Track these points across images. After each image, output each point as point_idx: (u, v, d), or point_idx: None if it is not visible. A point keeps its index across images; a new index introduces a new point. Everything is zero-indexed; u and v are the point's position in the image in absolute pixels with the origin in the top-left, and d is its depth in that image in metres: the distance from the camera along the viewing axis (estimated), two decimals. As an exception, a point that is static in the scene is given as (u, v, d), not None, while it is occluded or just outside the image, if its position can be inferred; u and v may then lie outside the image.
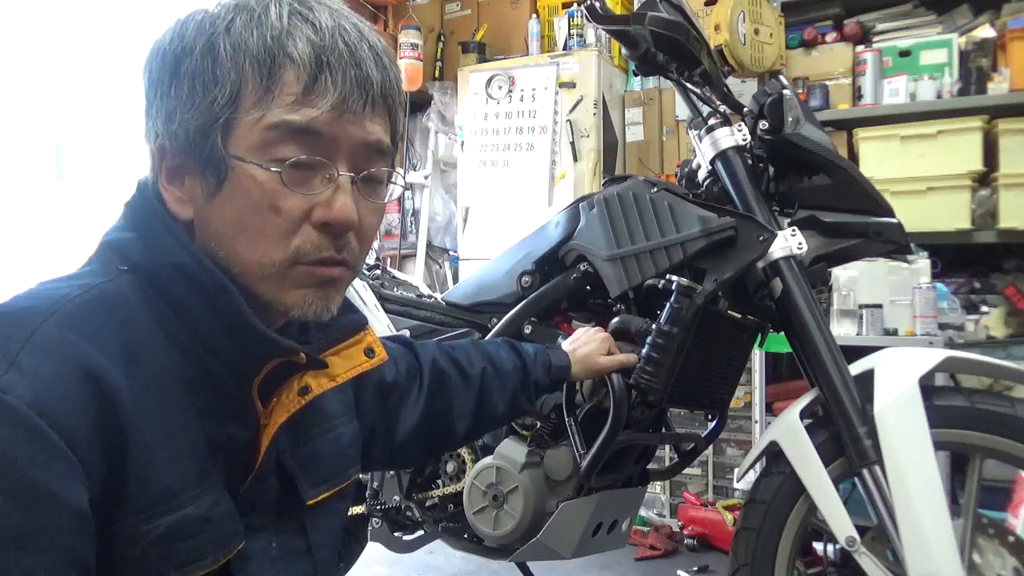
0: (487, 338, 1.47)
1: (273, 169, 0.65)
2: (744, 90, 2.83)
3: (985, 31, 2.70)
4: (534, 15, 3.50)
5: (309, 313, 0.69)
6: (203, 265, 0.66)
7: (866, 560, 1.22)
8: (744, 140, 1.42)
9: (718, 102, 1.46)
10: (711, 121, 1.43)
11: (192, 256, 0.66)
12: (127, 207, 0.72)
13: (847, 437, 1.25)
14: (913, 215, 2.30)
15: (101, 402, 0.58)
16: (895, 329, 2.45)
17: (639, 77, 3.32)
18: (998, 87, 2.58)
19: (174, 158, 0.69)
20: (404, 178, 0.84)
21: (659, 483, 2.89)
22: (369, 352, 0.82)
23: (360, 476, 1.57)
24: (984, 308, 2.56)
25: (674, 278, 1.28)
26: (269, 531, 0.74)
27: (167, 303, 0.67)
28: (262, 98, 0.65)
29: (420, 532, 1.64)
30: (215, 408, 0.68)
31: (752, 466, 1.42)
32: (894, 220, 1.39)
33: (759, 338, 1.50)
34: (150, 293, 0.66)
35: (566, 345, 1.30)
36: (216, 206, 0.68)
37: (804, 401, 1.34)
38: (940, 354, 1.28)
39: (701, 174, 1.49)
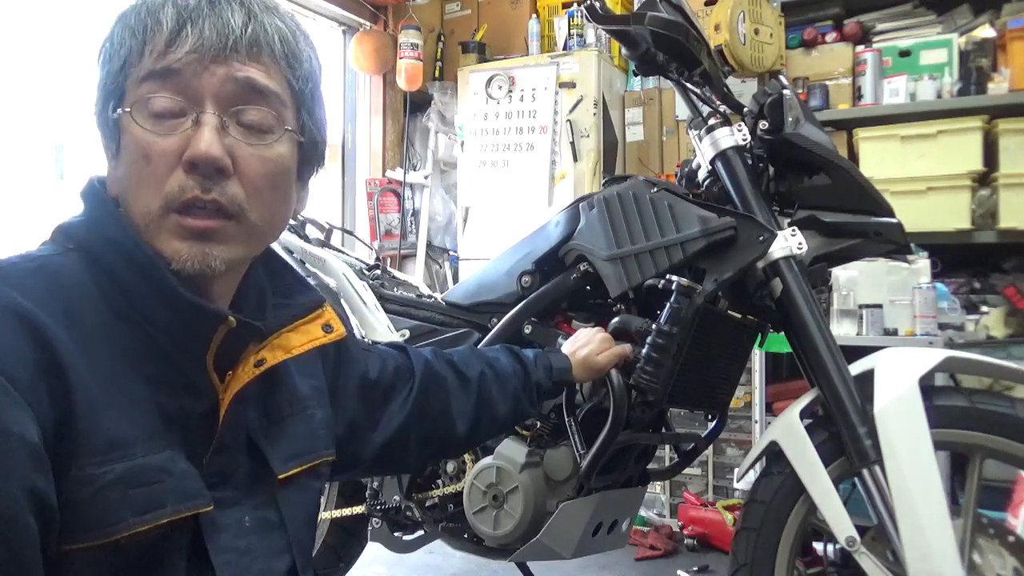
0: (487, 338, 1.48)
1: (125, 110, 0.69)
2: (744, 90, 2.83)
3: (985, 31, 2.70)
4: (534, 15, 3.50)
5: (187, 267, 0.69)
6: (132, 238, 0.69)
7: (866, 560, 1.22)
8: (744, 140, 1.42)
9: (718, 102, 1.46)
10: (711, 121, 1.43)
11: (123, 230, 0.69)
12: (80, 196, 0.75)
13: (847, 437, 1.25)
14: (913, 215, 2.30)
15: (41, 348, 0.61)
16: (895, 329, 2.45)
17: (639, 77, 3.32)
18: (998, 87, 2.58)
19: (103, 140, 0.74)
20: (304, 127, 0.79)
21: (659, 483, 2.89)
22: (327, 328, 0.85)
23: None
24: (984, 308, 2.56)
25: (674, 278, 1.28)
26: (243, 506, 0.76)
27: (108, 278, 0.69)
28: (136, 62, 0.70)
29: (420, 532, 1.64)
30: (165, 379, 0.70)
31: (752, 466, 1.42)
32: (894, 220, 1.39)
33: (759, 338, 1.50)
34: (94, 270, 0.69)
35: (566, 347, 1.30)
36: (118, 170, 0.72)
37: (804, 401, 1.34)
38: (940, 354, 1.28)
39: (701, 174, 1.49)
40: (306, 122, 0.77)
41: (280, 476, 0.80)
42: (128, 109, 0.69)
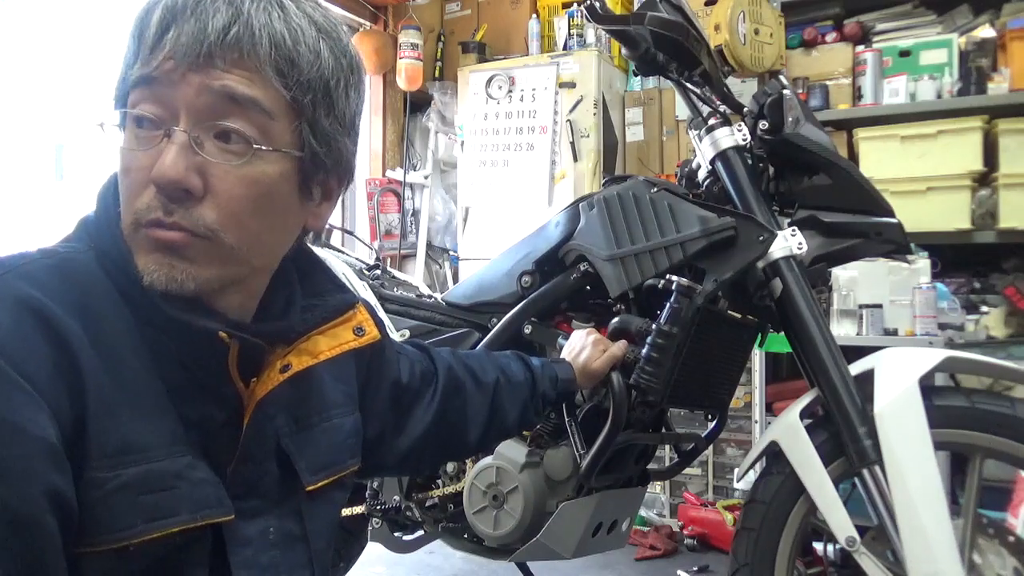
0: (487, 338, 1.48)
1: (97, 124, 0.68)
2: (744, 90, 2.83)
3: (985, 31, 2.70)
4: (534, 15, 3.51)
5: (155, 281, 0.64)
6: (120, 249, 0.66)
7: (866, 560, 1.22)
8: (744, 140, 1.42)
9: (718, 102, 1.46)
10: (711, 121, 1.43)
11: (114, 241, 0.67)
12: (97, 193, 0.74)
13: (847, 437, 1.25)
14: (913, 215, 2.31)
15: (58, 347, 0.59)
16: (895, 329, 2.45)
17: (639, 77, 3.32)
18: (998, 87, 2.59)
19: None
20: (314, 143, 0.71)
21: (659, 483, 2.89)
22: (359, 331, 0.82)
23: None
24: (984, 308, 2.57)
25: (674, 278, 1.28)
26: (269, 516, 0.74)
27: (119, 282, 0.67)
28: (132, 67, 0.67)
29: (420, 532, 1.64)
30: (186, 385, 0.68)
31: (752, 466, 1.42)
32: (894, 220, 1.39)
33: (759, 338, 1.50)
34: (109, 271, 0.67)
35: (564, 355, 1.30)
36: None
37: (804, 401, 1.34)
38: (940, 354, 1.28)
39: (701, 174, 1.49)
40: (306, 134, 0.70)
41: (308, 488, 0.78)
42: (103, 123, 0.68)
